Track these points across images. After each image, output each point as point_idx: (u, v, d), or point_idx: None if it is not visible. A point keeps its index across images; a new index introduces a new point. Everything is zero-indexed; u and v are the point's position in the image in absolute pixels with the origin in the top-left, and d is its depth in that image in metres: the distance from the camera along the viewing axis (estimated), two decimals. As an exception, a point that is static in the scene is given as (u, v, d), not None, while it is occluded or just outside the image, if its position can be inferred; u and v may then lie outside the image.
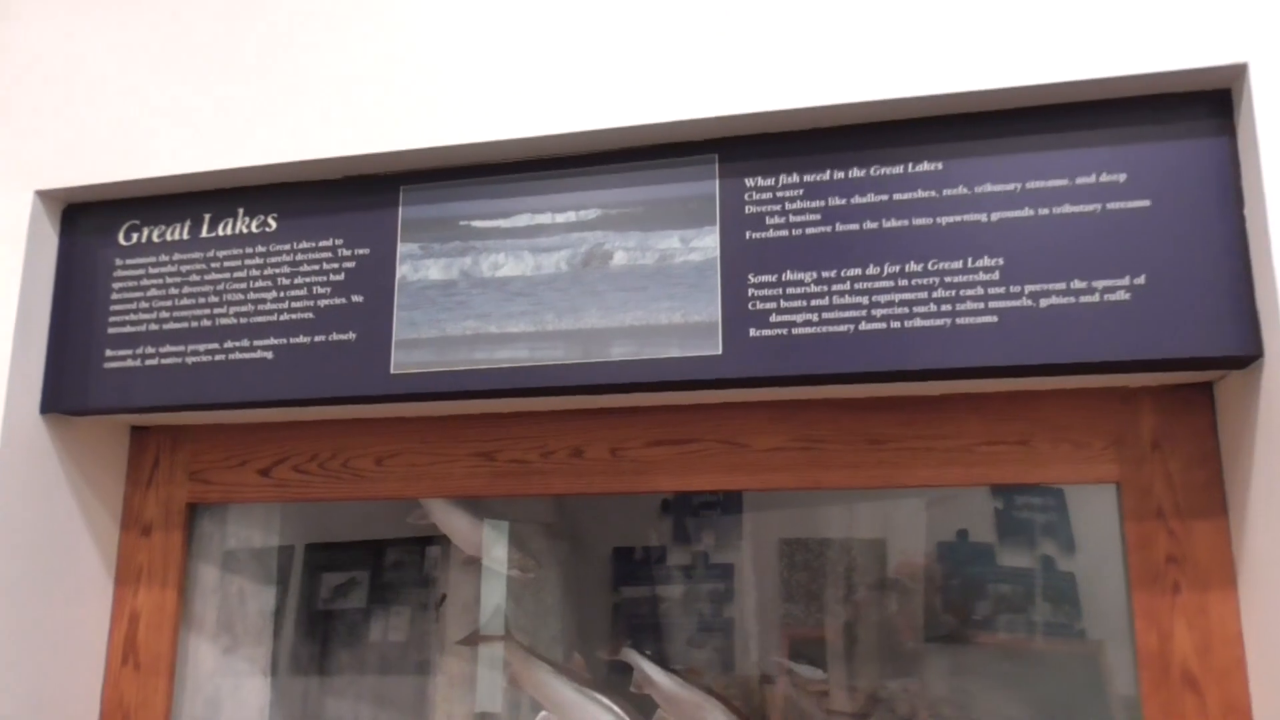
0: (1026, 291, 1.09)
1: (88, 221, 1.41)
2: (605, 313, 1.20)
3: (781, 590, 1.65)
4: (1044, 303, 1.09)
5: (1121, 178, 1.09)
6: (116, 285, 1.38)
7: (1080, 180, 1.10)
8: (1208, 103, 1.09)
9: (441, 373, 1.24)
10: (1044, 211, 1.11)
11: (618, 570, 1.71)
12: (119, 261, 1.39)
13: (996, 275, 1.10)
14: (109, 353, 1.36)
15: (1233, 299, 1.04)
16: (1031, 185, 1.11)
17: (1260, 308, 1.04)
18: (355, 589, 1.74)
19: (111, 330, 1.37)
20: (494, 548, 1.52)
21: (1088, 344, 1.07)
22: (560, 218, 1.24)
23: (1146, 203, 1.08)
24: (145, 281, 1.37)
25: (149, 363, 1.34)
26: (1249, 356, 1.04)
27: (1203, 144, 1.08)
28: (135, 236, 1.39)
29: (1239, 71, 1.06)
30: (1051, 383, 1.20)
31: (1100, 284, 1.08)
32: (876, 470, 1.27)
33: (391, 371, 1.25)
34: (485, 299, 1.25)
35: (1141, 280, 1.07)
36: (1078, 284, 1.08)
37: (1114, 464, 1.20)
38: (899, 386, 1.22)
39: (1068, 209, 1.10)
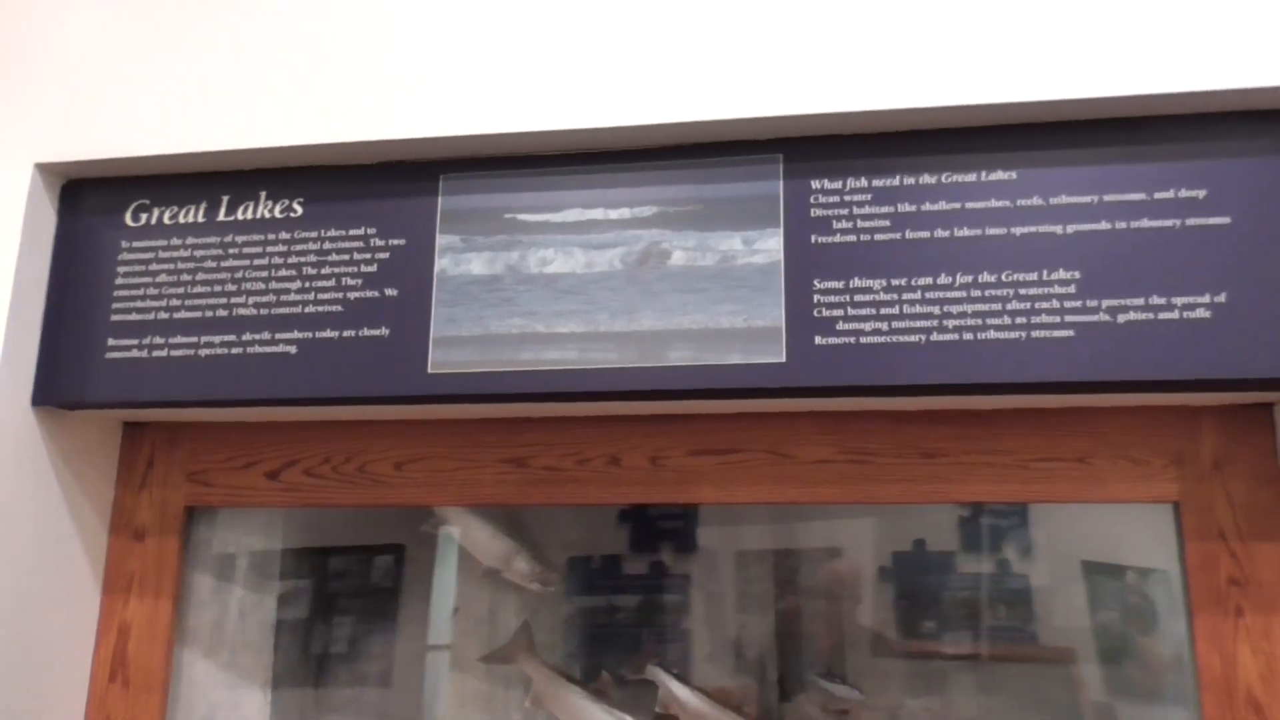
0: (1104, 306, 1.07)
1: (91, 199, 1.31)
2: (662, 314, 1.15)
3: (737, 602, 1.62)
4: (1122, 318, 1.06)
5: (1201, 194, 1.07)
6: (122, 269, 1.28)
7: (1159, 195, 1.08)
8: (1288, 120, 1.07)
9: (485, 373, 1.17)
10: (1121, 225, 1.08)
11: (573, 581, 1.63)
12: (125, 243, 1.29)
13: (1073, 289, 1.08)
14: (111, 342, 1.26)
15: (1315, 319, 1.03)
16: (1109, 198, 1.09)
17: (1342, 329, 1.02)
18: (353, 598, 1.65)
19: (115, 318, 1.27)
20: (515, 560, 1.44)
21: (1169, 361, 1.04)
22: (614, 214, 1.19)
23: (1227, 220, 1.06)
24: (155, 266, 1.27)
25: (157, 354, 1.25)
26: (1330, 378, 1.02)
27: (1283, 161, 1.06)
28: (144, 217, 1.29)
29: (1321, 90, 1.05)
30: (1111, 399, 1.18)
31: (1180, 300, 1.05)
32: (930, 485, 1.24)
33: (429, 370, 1.18)
34: (532, 296, 1.18)
35: (1223, 298, 1.05)
36: (1157, 300, 1.06)
37: (1174, 483, 1.18)
38: (954, 400, 1.19)
39: (1146, 223, 1.08)
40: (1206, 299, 1.05)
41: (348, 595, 1.65)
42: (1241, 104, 1.07)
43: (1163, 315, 1.05)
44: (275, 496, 1.37)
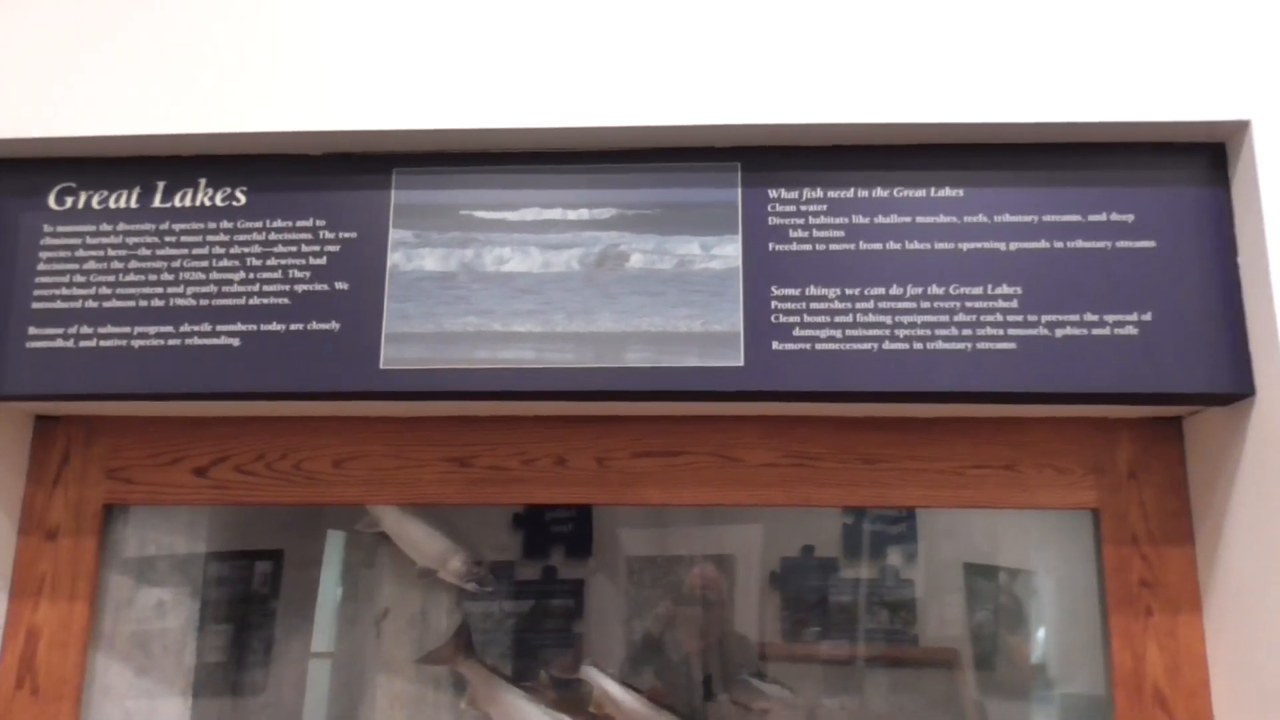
0: (1043, 321, 1.13)
1: (10, 180, 1.23)
2: (620, 316, 1.16)
3: (627, 605, 1.66)
4: (1059, 333, 1.12)
5: (1130, 218, 1.15)
6: (44, 254, 1.21)
7: (1092, 217, 1.15)
8: (1208, 154, 1.16)
9: (439, 370, 1.15)
10: (1059, 245, 1.14)
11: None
12: (48, 227, 1.22)
13: (1015, 303, 1.13)
14: (33, 330, 1.19)
15: (1229, 339, 1.11)
16: (1048, 218, 1.15)
17: (1253, 349, 1.10)
18: (271, 599, 1.60)
19: (37, 305, 1.20)
20: (451, 560, 1.43)
21: (1101, 375, 1.11)
22: (572, 214, 1.19)
23: (1152, 243, 1.14)
24: (82, 252, 1.21)
25: (85, 344, 1.18)
26: (1241, 394, 1.10)
27: (1203, 193, 1.15)
28: (69, 201, 1.23)
29: (1237, 128, 1.13)
30: (1039, 410, 1.24)
31: (1111, 318, 1.12)
32: (870, 489, 1.28)
33: (381, 366, 1.15)
34: (488, 295, 1.17)
35: (1148, 317, 1.12)
36: (1090, 316, 1.12)
37: (1093, 490, 1.26)
38: (896, 407, 1.23)
39: (1081, 244, 1.14)
40: (1134, 317, 1.12)
41: (270, 598, 1.60)
42: (1169, 136, 1.15)
43: (1096, 331, 1.12)
44: (203, 494, 1.32)
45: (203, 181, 1.22)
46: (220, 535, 1.54)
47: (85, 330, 1.18)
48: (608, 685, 1.41)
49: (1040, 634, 1.62)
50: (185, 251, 1.20)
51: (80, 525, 1.31)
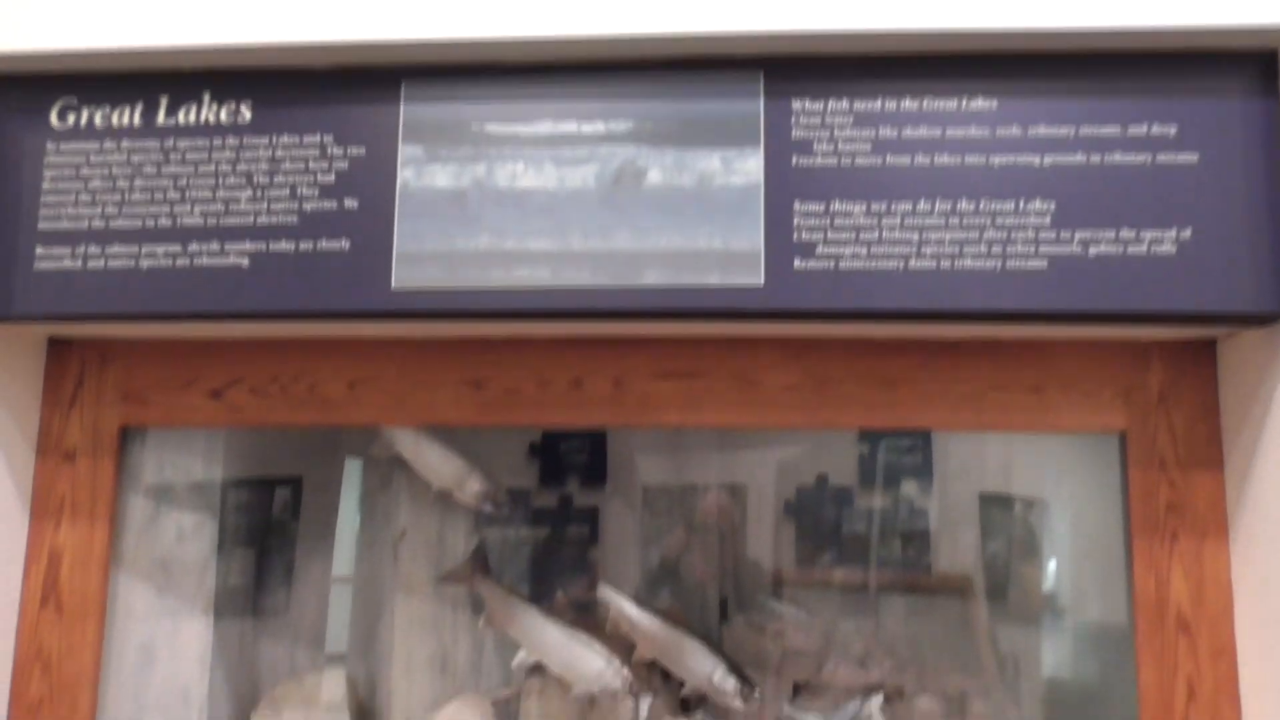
0: (1077, 238, 1.08)
1: (9, 97, 1.20)
2: (638, 235, 1.12)
3: (642, 533, 1.66)
4: (1093, 250, 1.08)
5: (1172, 130, 1.09)
6: (49, 173, 1.18)
7: (1132, 130, 1.10)
8: (1256, 64, 1.10)
9: (452, 291, 1.12)
10: (1096, 159, 1.10)
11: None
12: (51, 146, 1.19)
13: (1048, 220, 1.09)
14: (40, 251, 1.17)
15: (1271, 257, 1.07)
16: (1085, 131, 1.10)
17: (1296, 267, 1.06)
18: (288, 520, 1.61)
19: (43, 225, 1.17)
20: (468, 482, 1.42)
21: (1136, 295, 1.07)
22: (587, 128, 1.14)
23: (1195, 157, 1.09)
24: (86, 171, 1.18)
25: (93, 264, 1.16)
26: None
27: (1250, 104, 1.09)
28: (71, 118, 1.19)
29: (1288, 33, 1.07)
30: (1067, 332, 1.21)
31: (1148, 235, 1.08)
32: (890, 412, 1.25)
33: (393, 287, 1.13)
34: (501, 213, 1.14)
35: (1188, 234, 1.08)
36: (1126, 233, 1.08)
37: (1121, 414, 1.23)
38: (918, 328, 1.20)
39: (1119, 158, 1.09)
40: (1173, 234, 1.08)
41: (290, 524, 1.61)
42: (1216, 44, 1.09)
43: (1131, 249, 1.08)
44: (218, 416, 1.31)
45: (206, 96, 1.18)
46: (239, 463, 1.54)
47: (93, 250, 1.16)
48: (624, 605, 1.41)
49: (1056, 563, 1.61)
50: (191, 169, 1.17)
51: (98, 447, 1.31)
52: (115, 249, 1.16)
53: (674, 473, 1.69)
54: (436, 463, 1.43)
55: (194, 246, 1.15)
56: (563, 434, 1.67)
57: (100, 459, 1.30)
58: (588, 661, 1.36)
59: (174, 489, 1.42)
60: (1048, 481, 1.63)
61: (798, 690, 1.53)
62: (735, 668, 1.37)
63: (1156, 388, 1.23)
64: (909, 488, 1.67)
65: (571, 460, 1.68)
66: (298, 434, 1.62)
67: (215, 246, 1.15)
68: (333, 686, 1.49)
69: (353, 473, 1.63)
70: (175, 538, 1.41)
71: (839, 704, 1.38)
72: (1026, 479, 1.64)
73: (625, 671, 1.36)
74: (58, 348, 1.33)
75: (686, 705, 1.48)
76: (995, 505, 1.65)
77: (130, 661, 1.34)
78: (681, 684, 1.42)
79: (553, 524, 1.65)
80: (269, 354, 1.31)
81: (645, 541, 1.66)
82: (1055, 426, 1.24)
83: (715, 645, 1.40)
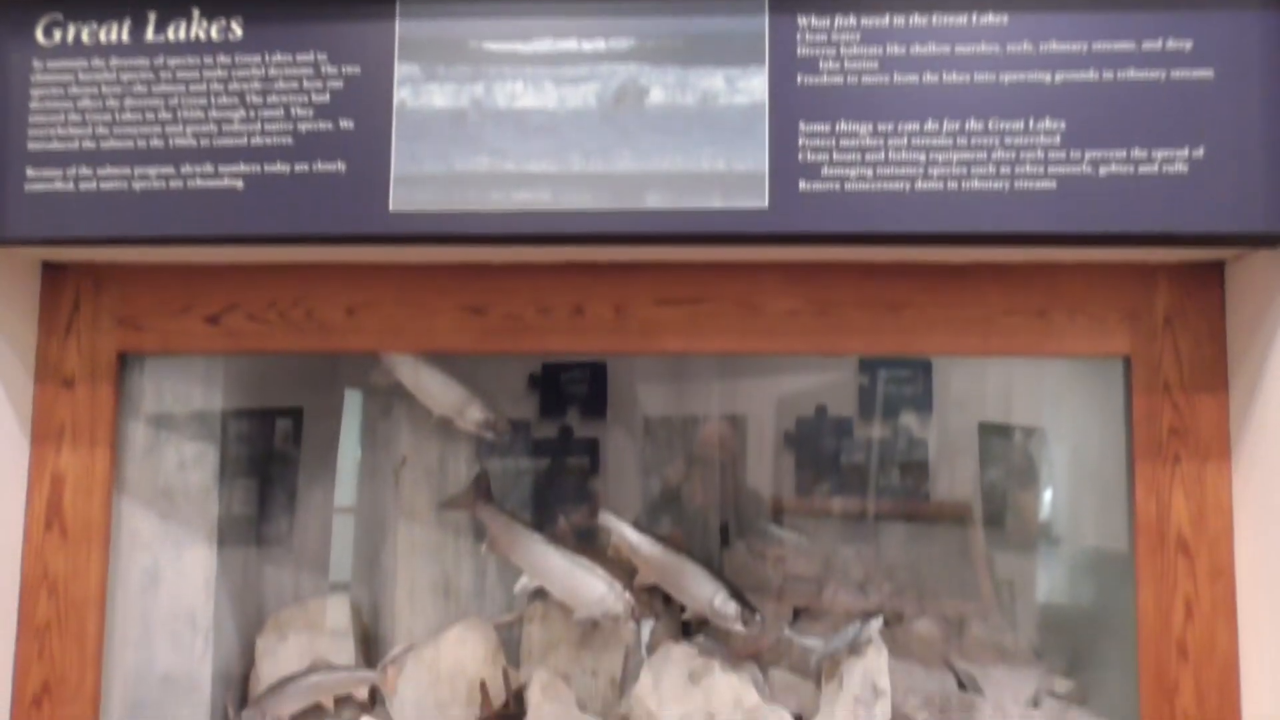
0: (1087, 158, 1.06)
1: (-7, 11, 1.17)
2: (639, 156, 1.10)
3: (642, 463, 1.66)
4: (1103, 170, 1.06)
5: (1187, 45, 1.07)
6: (36, 93, 1.15)
7: (1147, 45, 1.07)
8: (1277, -27, 1.07)
9: (451, 213, 1.11)
10: (1109, 76, 1.07)
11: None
12: (38, 64, 1.16)
13: (1058, 139, 1.07)
14: (31, 172, 1.15)
15: (1284, 176, 1.05)
16: (1098, 47, 1.07)
17: (1310, 187, 1.04)
18: (293, 447, 1.61)
19: (33, 146, 1.15)
20: (468, 409, 1.42)
21: (1146, 215, 1.05)
22: (588, 45, 1.12)
23: (1210, 73, 1.06)
24: (75, 90, 1.15)
25: (85, 186, 1.14)
26: (1295, 234, 1.05)
27: (1270, 17, 1.06)
28: (58, 34, 1.16)
29: (1312, -57, 1.04)
30: (1074, 255, 1.19)
31: (1160, 154, 1.06)
32: (895, 337, 1.25)
33: (391, 210, 1.11)
34: (500, 133, 1.11)
35: (1200, 153, 1.06)
36: (1138, 153, 1.06)
37: (1127, 337, 1.22)
38: (923, 252, 1.19)
39: (1133, 74, 1.07)
40: (1185, 153, 1.06)
41: (291, 454, 1.61)
42: (1234, -47, 1.06)
43: (1143, 169, 1.06)
44: (216, 342, 1.30)
45: (195, 12, 1.15)
46: (240, 393, 1.53)
47: (84, 172, 1.14)
48: (625, 531, 1.42)
49: (1055, 490, 1.62)
50: (182, 88, 1.14)
51: (96, 373, 1.30)
52: (107, 170, 1.14)
53: (674, 404, 1.69)
54: (437, 390, 1.42)
55: (187, 168, 1.13)
56: (563, 365, 1.67)
57: (99, 385, 1.29)
58: (590, 586, 1.37)
59: (175, 417, 1.42)
60: (1046, 410, 1.64)
61: (798, 615, 1.55)
62: (736, 592, 1.38)
63: (1163, 311, 1.22)
64: (908, 418, 1.67)
65: (572, 391, 1.67)
66: (298, 364, 1.61)
67: (209, 168, 1.13)
68: (337, 612, 1.50)
69: (353, 403, 1.63)
70: (177, 464, 1.41)
71: (839, 628, 1.40)
72: (1026, 408, 1.64)
73: (627, 596, 1.37)
74: (52, 273, 1.31)
75: (688, 629, 1.50)
76: (994, 434, 1.66)
77: (136, 585, 1.36)
78: (683, 609, 1.44)
79: (553, 455, 1.66)
80: (266, 279, 1.29)
81: (646, 472, 1.67)
82: (1060, 351, 1.23)
83: (716, 571, 1.41)
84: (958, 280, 1.24)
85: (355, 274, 1.29)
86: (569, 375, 1.68)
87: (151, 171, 1.13)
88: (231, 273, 1.29)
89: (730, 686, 1.34)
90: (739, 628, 1.36)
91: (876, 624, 1.36)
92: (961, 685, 1.43)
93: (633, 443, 1.68)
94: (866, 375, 1.68)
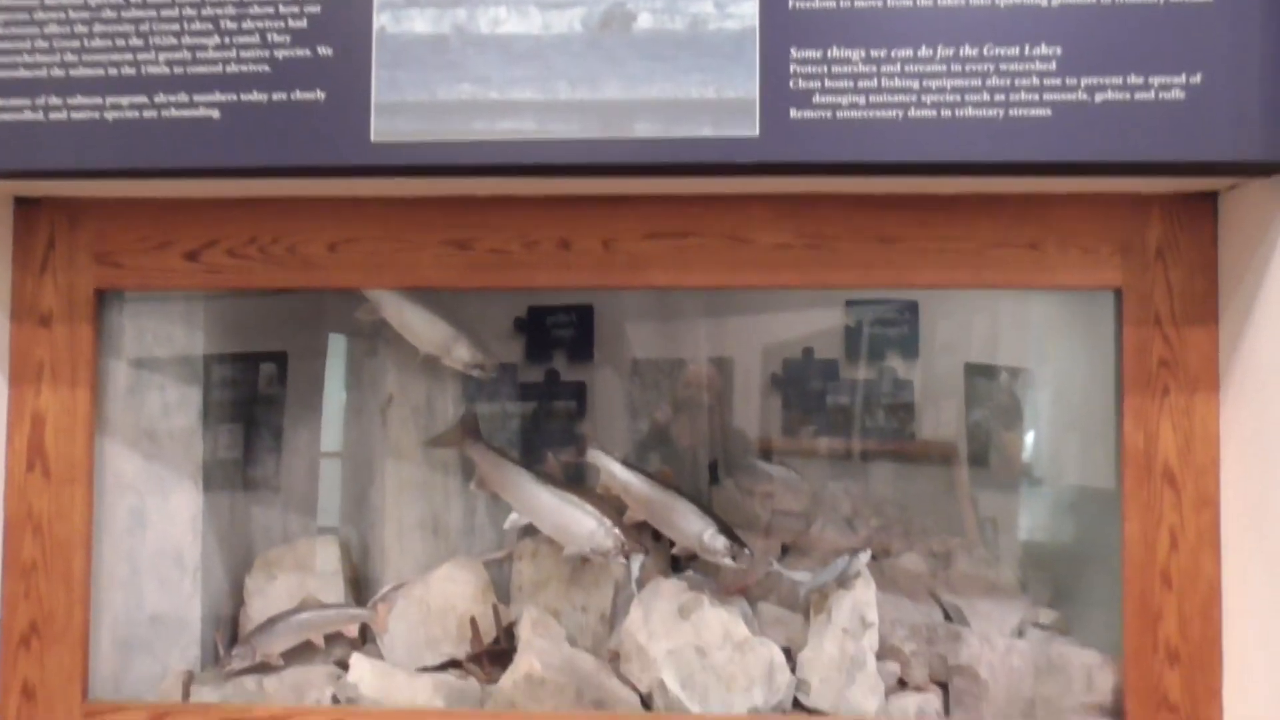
0: (1083, 85, 1.04)
1: (-49, -69, 1.12)
2: (627, 84, 1.07)
3: (629, 406, 1.66)
4: (1099, 98, 1.04)
5: (1187, -32, 1.04)
6: (1, 17, 1.11)
7: (1146, -33, 1.04)
8: (1279, -108, 1.04)
9: (434, 143, 1.08)
10: (1106, 0, 1.05)
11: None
12: (1, -13, 1.12)
13: (1054, 65, 1.05)
14: (-3, 101, 1.11)
15: (1282, 103, 1.03)
16: (1096, -31, 1.05)
17: (1308, 113, 1.03)
18: (277, 389, 1.60)
19: (-1, 74, 1.11)
20: (455, 346, 1.40)
21: (1142, 143, 1.04)
22: (573, -31, 1.08)
23: (1209, -4, 1.04)
24: (41, 14, 1.11)
25: (55, 115, 1.11)
26: (1293, 162, 1.04)
27: (1271, -63, 1.04)
28: (19, -46, 1.12)
29: None
30: (1067, 185, 1.18)
31: (1157, 81, 1.04)
32: (885, 271, 1.23)
33: (372, 140, 1.08)
34: (484, 60, 1.08)
35: (1198, 79, 1.04)
36: (1134, 79, 1.04)
37: (1118, 270, 1.21)
38: (915, 183, 1.17)
39: (1131, -2, 1.05)
40: (1182, 79, 1.04)
41: (278, 395, 1.60)
42: None
43: (1139, 95, 1.04)
44: (196, 279, 1.27)
45: (166, -67, 1.10)
46: (223, 336, 1.51)
47: (54, 101, 1.11)
48: (614, 468, 1.42)
49: (1040, 429, 1.63)
50: (154, 13, 1.10)
51: (74, 312, 1.27)
52: (78, 100, 1.10)
53: (662, 347, 1.68)
54: (422, 327, 1.40)
55: (161, 98, 1.10)
56: (548, 308, 1.65)
57: (77, 323, 1.27)
58: (579, 522, 1.37)
59: (157, 359, 1.40)
60: (1032, 351, 1.64)
61: (786, 551, 1.55)
62: (725, 528, 1.38)
63: (1155, 243, 1.21)
64: (894, 359, 1.67)
65: (558, 335, 1.66)
66: (283, 308, 1.59)
67: (183, 98, 1.10)
68: (325, 551, 1.50)
69: (338, 346, 1.62)
70: (160, 404, 1.39)
71: (827, 562, 1.41)
72: (1011, 349, 1.64)
73: (616, 532, 1.37)
74: (25, 208, 1.28)
75: (677, 564, 1.50)
76: (980, 375, 1.66)
77: (122, 525, 1.35)
78: (672, 544, 1.44)
79: (540, 399, 1.65)
80: (246, 214, 1.26)
81: (634, 414, 1.66)
82: (1052, 284, 1.23)
83: (705, 507, 1.41)
84: (949, 213, 1.22)
85: (337, 209, 1.26)
86: (555, 319, 1.66)
87: (124, 101, 1.10)
88: (210, 208, 1.26)
89: (719, 620, 1.35)
90: (728, 562, 1.37)
91: (864, 557, 1.37)
92: (948, 617, 1.44)
93: (620, 385, 1.67)
94: (853, 317, 1.67)
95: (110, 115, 1.10)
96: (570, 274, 1.25)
